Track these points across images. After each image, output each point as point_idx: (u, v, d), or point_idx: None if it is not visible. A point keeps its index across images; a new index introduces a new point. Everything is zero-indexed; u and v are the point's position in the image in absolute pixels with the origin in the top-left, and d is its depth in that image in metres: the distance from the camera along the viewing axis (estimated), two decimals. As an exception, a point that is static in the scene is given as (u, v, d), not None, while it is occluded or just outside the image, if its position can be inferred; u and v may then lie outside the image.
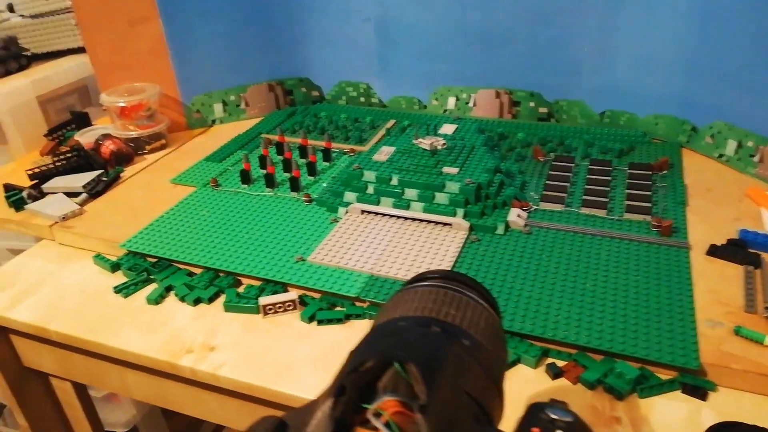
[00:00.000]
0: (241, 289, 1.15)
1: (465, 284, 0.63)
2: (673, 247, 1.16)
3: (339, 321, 1.06)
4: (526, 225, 1.24)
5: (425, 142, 1.33)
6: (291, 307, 1.09)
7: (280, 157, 1.59)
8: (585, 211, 1.28)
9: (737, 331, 0.95)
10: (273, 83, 1.88)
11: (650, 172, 1.40)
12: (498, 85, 1.71)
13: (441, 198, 1.27)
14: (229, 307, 1.10)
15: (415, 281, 0.65)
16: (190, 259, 1.20)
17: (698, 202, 1.31)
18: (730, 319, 0.99)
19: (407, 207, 1.28)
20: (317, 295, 1.11)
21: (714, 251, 1.15)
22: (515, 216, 1.25)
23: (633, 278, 1.08)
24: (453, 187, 1.26)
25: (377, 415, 0.41)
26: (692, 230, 1.22)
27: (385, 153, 1.39)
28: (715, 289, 1.06)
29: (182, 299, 1.14)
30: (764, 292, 1.04)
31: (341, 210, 1.32)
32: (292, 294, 1.10)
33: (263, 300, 1.09)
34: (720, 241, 1.18)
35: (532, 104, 1.69)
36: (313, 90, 1.93)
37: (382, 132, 1.73)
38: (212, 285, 1.16)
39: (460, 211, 1.25)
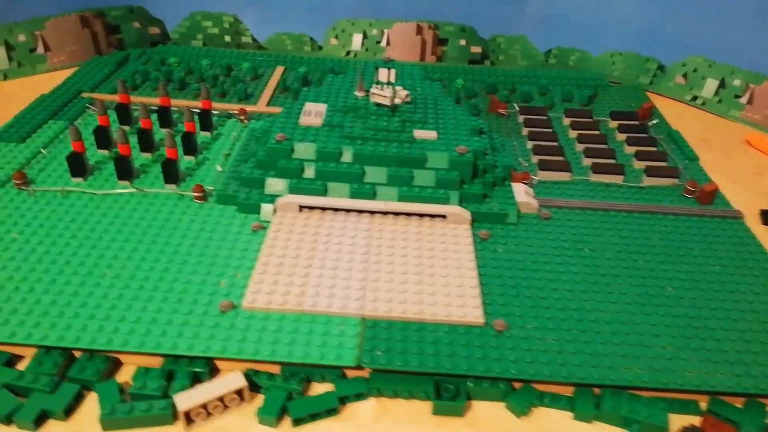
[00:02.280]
0: (125, 380, 0.62)
1: None
2: (726, 219, 0.90)
3: (331, 412, 0.61)
4: (541, 206, 0.88)
5: (382, 94, 0.88)
6: (236, 401, 0.61)
7: (127, 128, 1.01)
8: (597, 178, 0.96)
9: None
10: (88, 14, 1.24)
11: (637, 122, 1.13)
12: (419, 16, 1.30)
13: (423, 177, 0.84)
14: (111, 423, 0.58)
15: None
16: (6, 334, 0.63)
17: (705, 156, 1.07)
18: None
19: (373, 195, 0.83)
20: (275, 369, 0.64)
21: (770, 219, 0.91)
22: (524, 194, 0.88)
23: (712, 271, 0.79)
24: (438, 159, 0.85)
25: None
26: (724, 192, 0.97)
27: (314, 113, 0.91)
28: (806, 271, 0.81)
29: (7, 420, 0.58)
30: None
31: (266, 208, 0.82)
32: (234, 377, 0.61)
33: (182, 399, 0.58)
34: (762, 203, 0.94)
35: (462, 42, 1.31)
36: (151, 25, 1.32)
37: (273, 83, 1.22)
38: (65, 380, 0.61)
39: (454, 195, 0.84)
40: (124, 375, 0.64)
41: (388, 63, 1.13)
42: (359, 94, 0.93)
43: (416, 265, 0.75)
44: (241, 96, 1.15)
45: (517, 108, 1.15)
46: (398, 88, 0.92)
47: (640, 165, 1.00)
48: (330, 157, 0.84)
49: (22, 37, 1.17)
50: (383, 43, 1.32)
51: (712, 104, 1.22)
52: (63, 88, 1.13)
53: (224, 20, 1.32)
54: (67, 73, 1.20)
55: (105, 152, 0.95)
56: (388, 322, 0.67)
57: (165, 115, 1.01)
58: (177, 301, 0.68)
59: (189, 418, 0.59)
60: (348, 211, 0.83)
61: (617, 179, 0.96)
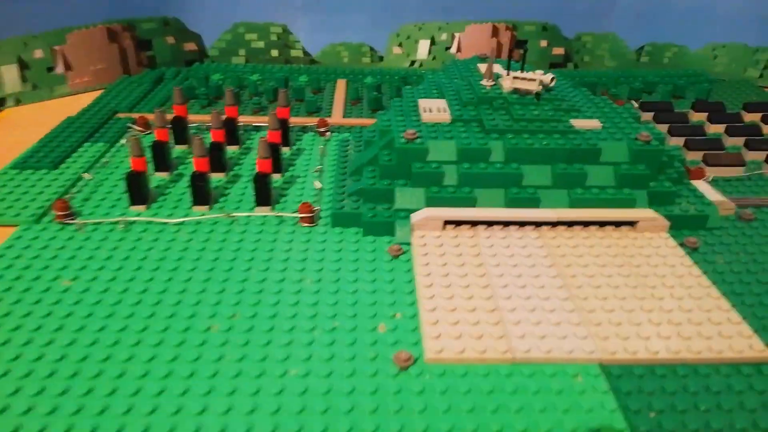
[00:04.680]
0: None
1: None
2: None
3: None
4: (742, 207, 0.69)
5: (527, 78, 0.70)
6: None
7: (183, 147, 0.81)
8: (775, 172, 0.79)
9: None
10: (116, 27, 1.05)
11: (775, 114, 0.97)
12: (495, 17, 1.14)
13: (599, 175, 0.65)
14: None
15: None
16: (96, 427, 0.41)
17: None
18: None
19: (536, 202, 0.63)
20: (498, 450, 0.42)
21: None
22: (715, 193, 0.70)
23: None
24: (616, 150, 0.66)
25: None
26: None
27: (436, 109, 0.72)
28: None
29: None
30: None
31: (401, 228, 0.62)
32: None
33: None
34: None
35: (543, 43, 1.15)
36: (186, 40, 1.13)
37: (340, 94, 1.03)
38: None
39: (642, 196, 0.65)
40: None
41: (486, 59, 0.96)
42: (488, 83, 0.75)
43: (633, 287, 0.55)
44: (311, 109, 0.96)
45: (636, 105, 0.98)
46: (539, 72, 0.73)
47: (816, 155, 0.82)
48: (476, 156, 0.65)
49: (38, 53, 0.97)
50: (453, 49, 1.15)
51: (844, 93, 1.06)
52: (93, 109, 0.92)
53: (272, 32, 1.14)
54: (91, 97, 0.99)
55: (165, 176, 0.74)
56: (641, 368, 0.46)
57: (233, 130, 0.81)
58: (329, 359, 0.46)
59: None
60: (506, 224, 0.63)
61: (802, 172, 0.78)
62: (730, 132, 0.88)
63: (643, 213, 0.63)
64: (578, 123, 0.69)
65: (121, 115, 0.91)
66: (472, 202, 0.64)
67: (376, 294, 0.54)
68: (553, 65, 1.18)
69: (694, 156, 0.82)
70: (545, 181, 0.65)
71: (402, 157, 0.65)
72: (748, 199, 0.72)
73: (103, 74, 1.04)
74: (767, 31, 1.11)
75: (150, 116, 0.89)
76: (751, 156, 0.83)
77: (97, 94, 1.01)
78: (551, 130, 0.67)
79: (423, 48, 1.15)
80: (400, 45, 1.17)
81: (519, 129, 0.67)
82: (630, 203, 0.64)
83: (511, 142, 0.65)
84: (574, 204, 0.64)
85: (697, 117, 0.96)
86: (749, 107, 0.98)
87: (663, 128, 0.91)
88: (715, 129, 0.92)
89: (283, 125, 0.81)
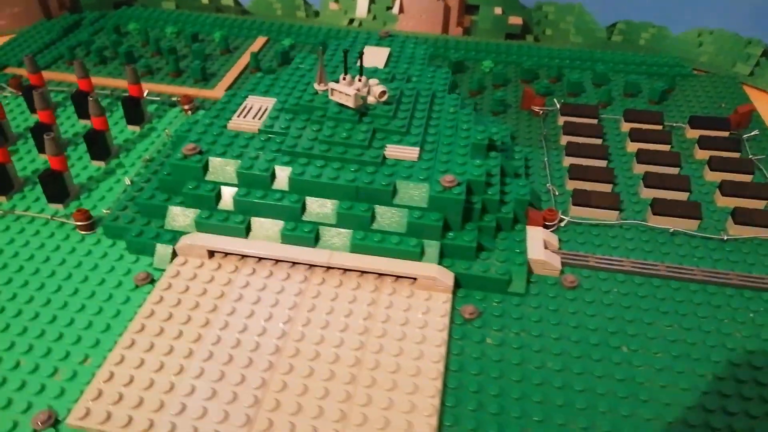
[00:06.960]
0: None
1: None
2: None
3: None
4: (565, 267, 0.59)
5: (345, 90, 0.61)
6: None
7: (34, 118, 0.79)
8: (657, 222, 0.66)
9: None
10: (30, -33, 1.02)
11: (727, 133, 0.81)
12: (442, -24, 1.00)
13: (389, 219, 0.58)
14: None
15: None
16: None
17: (826, 190, 0.74)
18: None
19: (314, 241, 0.58)
20: None
21: None
22: (541, 247, 0.60)
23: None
24: (413, 192, 0.57)
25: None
26: None
27: (255, 112, 0.66)
28: None
29: None
30: None
31: (161, 251, 0.58)
32: None
33: None
34: None
35: (498, 10, 1.01)
36: (113, -17, 1.09)
37: (243, 60, 0.97)
38: None
39: (433, 248, 0.57)
40: None
41: (385, 39, 0.86)
42: (320, 87, 0.66)
43: (351, 367, 0.49)
44: (198, 77, 0.90)
45: (558, 105, 0.85)
46: (373, 81, 0.64)
47: (724, 202, 0.69)
48: (258, 182, 0.59)
49: (-55, -5, 0.96)
50: (395, 10, 1.04)
51: (842, 109, 0.87)
52: (-15, 61, 0.92)
53: (201, -23, 1.07)
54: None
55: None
56: (280, 475, 0.42)
57: (80, 103, 0.78)
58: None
59: None
60: (275, 261, 0.58)
61: (690, 226, 0.65)
62: (639, 158, 0.74)
63: (425, 269, 0.56)
64: (394, 151, 0.61)
65: (8, 71, 0.90)
66: (243, 233, 0.58)
67: (90, 329, 0.52)
68: (509, 36, 1.05)
69: (575, 185, 0.70)
70: (328, 218, 0.58)
71: (178, 173, 0.60)
72: (589, 256, 0.61)
73: (20, 17, 1.03)
74: (762, 21, 0.92)
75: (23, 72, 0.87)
76: (646, 194, 0.70)
77: (5, 39, 1.00)
78: (353, 159, 0.59)
79: (362, 5, 1.05)
80: (336, 1, 1.07)
81: (318, 154, 0.60)
82: (416, 255, 0.56)
83: (298, 170, 0.58)
84: (355, 249, 0.57)
85: (626, 128, 0.82)
86: (693, 122, 0.82)
87: (566, 141, 0.79)
88: (633, 149, 0.78)
89: (134, 103, 0.77)
